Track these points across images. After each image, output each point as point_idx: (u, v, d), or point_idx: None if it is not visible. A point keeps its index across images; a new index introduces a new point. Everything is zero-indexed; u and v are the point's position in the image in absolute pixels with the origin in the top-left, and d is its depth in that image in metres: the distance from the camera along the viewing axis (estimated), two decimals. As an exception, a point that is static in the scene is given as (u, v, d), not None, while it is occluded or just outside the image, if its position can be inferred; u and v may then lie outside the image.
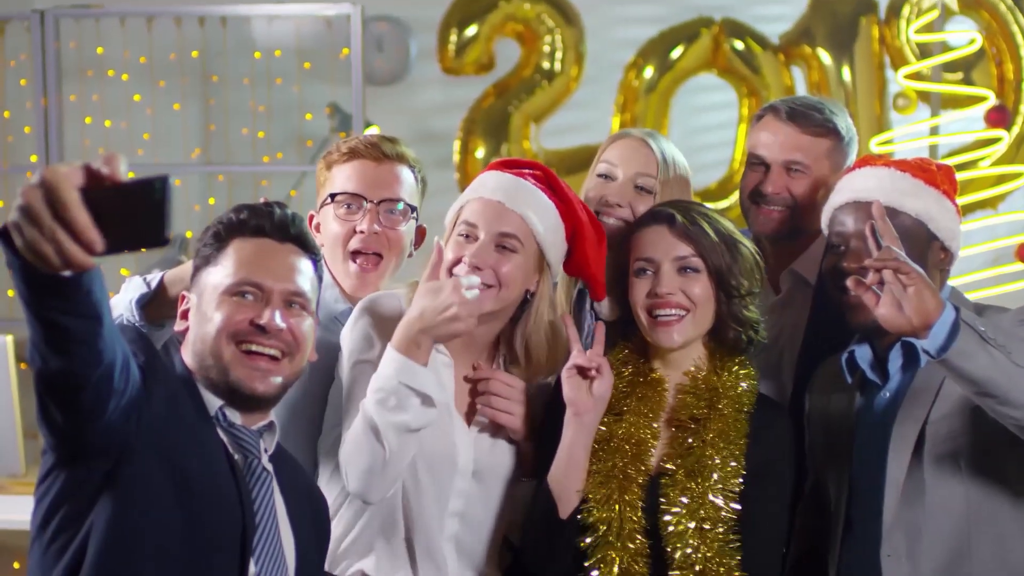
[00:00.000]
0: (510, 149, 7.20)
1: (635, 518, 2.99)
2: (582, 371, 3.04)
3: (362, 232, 3.29)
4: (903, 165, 3.13)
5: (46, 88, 7.05)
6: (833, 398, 3.21)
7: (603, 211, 3.40)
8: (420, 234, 3.45)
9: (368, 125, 7.18)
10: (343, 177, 3.34)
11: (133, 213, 1.95)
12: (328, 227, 3.35)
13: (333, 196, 3.35)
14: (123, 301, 3.01)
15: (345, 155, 3.36)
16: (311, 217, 3.39)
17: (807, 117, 3.50)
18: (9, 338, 5.22)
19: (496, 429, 3.16)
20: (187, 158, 7.91)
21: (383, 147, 3.35)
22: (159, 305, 3.01)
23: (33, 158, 7.29)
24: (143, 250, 1.99)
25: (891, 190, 3.08)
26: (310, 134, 7.71)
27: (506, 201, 3.09)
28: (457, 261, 3.06)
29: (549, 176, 3.18)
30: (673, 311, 3.04)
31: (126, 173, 1.98)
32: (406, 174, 3.36)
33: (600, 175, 3.47)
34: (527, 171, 3.17)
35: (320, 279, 2.77)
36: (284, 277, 2.65)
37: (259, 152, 7.69)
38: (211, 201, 7.74)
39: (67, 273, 2.00)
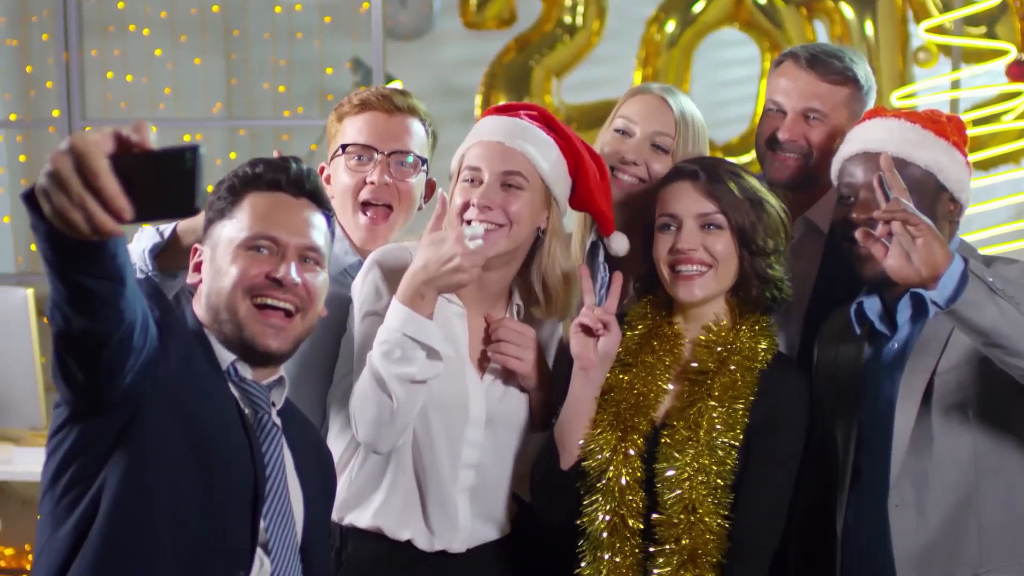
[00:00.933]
0: (531, 103, 7.18)
1: (633, 468, 2.99)
2: (587, 330, 3.05)
3: (372, 183, 3.30)
4: (913, 116, 3.13)
5: (68, 43, 7.05)
6: (842, 349, 3.21)
7: (618, 168, 3.40)
8: (430, 187, 3.45)
9: (389, 80, 7.17)
10: (354, 129, 3.35)
11: (163, 182, 1.94)
12: (338, 178, 3.36)
13: (344, 147, 3.36)
14: (136, 250, 3.02)
15: (356, 107, 3.37)
16: (322, 169, 3.39)
17: (827, 65, 3.48)
18: (30, 291, 5.25)
19: (509, 378, 3.17)
20: (208, 113, 7.92)
21: (394, 99, 3.36)
22: (172, 255, 3.01)
23: (55, 113, 7.30)
24: (172, 219, 1.99)
25: (900, 141, 3.07)
26: (331, 89, 7.71)
27: (506, 140, 3.09)
28: (465, 206, 3.06)
29: (545, 115, 3.18)
30: (695, 267, 3.04)
31: (153, 140, 1.97)
32: (417, 127, 3.38)
33: (617, 130, 3.46)
34: (523, 112, 3.17)
35: (333, 234, 2.78)
36: (299, 232, 2.65)
37: (280, 107, 7.70)
38: (232, 156, 7.76)
39: (94, 238, 1.99)
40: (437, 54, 7.90)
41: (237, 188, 2.67)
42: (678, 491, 2.97)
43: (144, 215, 1.94)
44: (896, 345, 3.09)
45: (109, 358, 2.27)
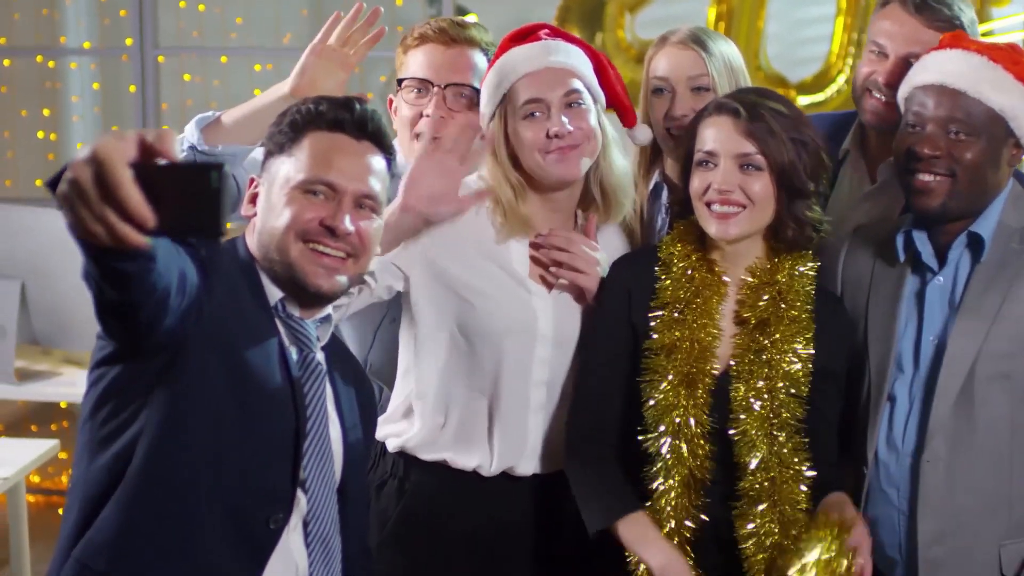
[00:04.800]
0: (604, 38, 7.14)
1: (702, 422, 2.98)
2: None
3: (427, 116, 3.30)
4: (995, 54, 3.06)
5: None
6: (877, 270, 3.18)
7: (672, 127, 3.39)
8: None
9: (462, 12, 7.13)
10: (415, 63, 3.38)
11: (187, 198, 1.87)
12: (400, 111, 3.40)
13: (400, 81, 3.38)
14: (188, 126, 3.09)
15: (417, 39, 3.40)
16: (391, 101, 3.40)
17: (934, 11, 3.41)
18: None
19: (575, 292, 3.17)
20: (280, 43, 7.91)
21: (451, 31, 3.38)
22: (215, 132, 3.07)
23: (128, 41, 7.32)
24: (195, 238, 1.93)
25: (979, 80, 3.02)
26: (403, 20, 7.67)
27: (551, 64, 3.11)
28: (542, 139, 3.08)
29: (555, 29, 3.20)
30: (731, 207, 3.00)
31: (179, 148, 1.88)
32: (478, 58, 3.38)
33: (655, 90, 3.46)
34: (541, 32, 3.19)
35: (392, 176, 2.76)
36: (357, 177, 2.63)
37: (352, 38, 7.67)
38: (303, 86, 7.74)
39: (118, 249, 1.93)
40: (512, -14, 7.86)
41: (299, 124, 2.64)
42: (757, 455, 2.96)
43: (166, 229, 1.88)
44: (941, 279, 3.06)
45: (146, 317, 2.24)
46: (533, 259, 3.18)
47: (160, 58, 7.30)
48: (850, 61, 7.06)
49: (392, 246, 3.06)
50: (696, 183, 3.05)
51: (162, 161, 1.87)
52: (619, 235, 3.33)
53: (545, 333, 3.15)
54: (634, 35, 7.31)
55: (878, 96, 3.45)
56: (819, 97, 6.90)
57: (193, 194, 1.87)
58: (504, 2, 7.69)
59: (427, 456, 3.19)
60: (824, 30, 7.30)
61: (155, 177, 1.85)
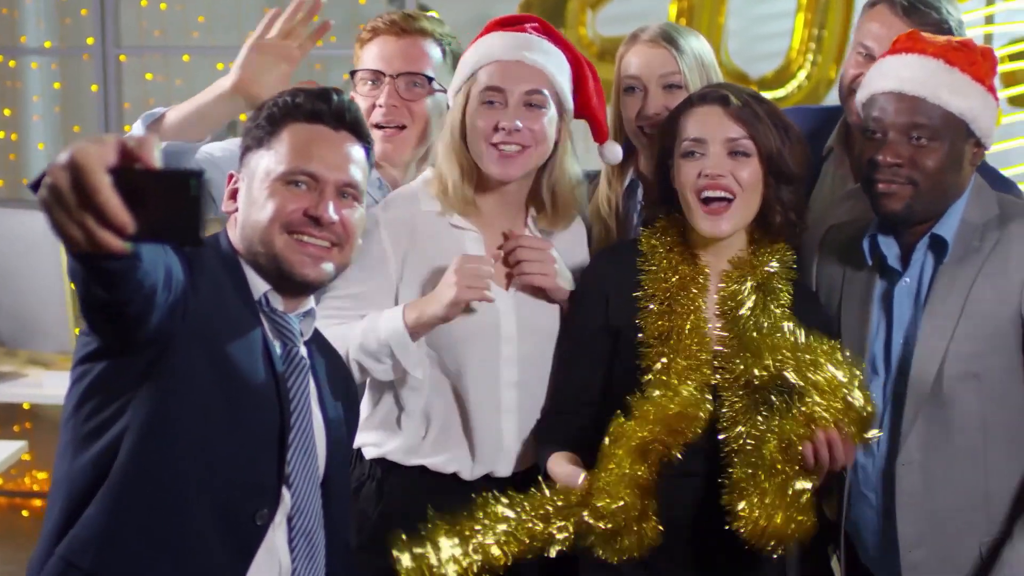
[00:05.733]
0: (566, 35, 7.12)
1: (704, 407, 2.97)
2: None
3: (381, 106, 3.33)
4: (950, 56, 3.06)
5: (102, -32, 7.04)
6: (848, 273, 3.20)
7: (644, 125, 3.40)
8: None
9: (424, 10, 7.14)
10: (368, 55, 3.41)
11: (166, 204, 1.86)
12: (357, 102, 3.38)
13: (353, 74, 3.42)
14: (136, 123, 3.13)
15: (370, 32, 3.43)
16: (352, 98, 3.41)
17: (923, 15, 3.42)
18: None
19: (534, 289, 3.18)
20: (242, 41, 7.88)
21: (402, 22, 3.40)
22: (160, 129, 3.12)
23: (90, 40, 7.30)
24: (174, 245, 1.92)
25: (937, 85, 3.02)
26: (365, 19, 7.63)
27: (524, 59, 3.12)
28: (493, 129, 3.08)
29: (546, 26, 3.21)
30: (722, 192, 3.01)
31: (159, 155, 1.88)
32: (430, 47, 3.40)
33: (627, 89, 3.46)
34: (528, 25, 3.19)
35: (372, 166, 2.77)
36: (338, 167, 2.64)
37: (313, 36, 7.66)
38: (266, 85, 7.72)
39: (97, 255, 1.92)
40: (473, -16, 7.87)
41: (276, 117, 2.65)
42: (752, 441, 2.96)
43: (145, 235, 1.87)
44: (908, 280, 3.08)
45: (133, 315, 2.25)
46: (493, 255, 3.19)
47: (122, 57, 7.28)
48: (810, 57, 7.10)
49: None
50: (685, 173, 3.06)
51: (140, 166, 1.86)
52: (575, 239, 3.33)
53: (509, 332, 3.16)
54: (595, 32, 7.32)
55: None
56: (780, 93, 6.92)
57: (172, 200, 1.86)
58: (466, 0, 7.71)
59: (406, 462, 3.19)
60: (784, 26, 7.32)
61: (134, 182, 1.84)
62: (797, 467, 2.82)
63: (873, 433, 2.85)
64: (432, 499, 3.08)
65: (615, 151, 3.36)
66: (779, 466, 2.82)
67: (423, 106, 3.37)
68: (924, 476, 3.04)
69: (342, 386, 2.83)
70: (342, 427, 2.79)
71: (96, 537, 2.43)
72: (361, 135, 2.71)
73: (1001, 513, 3.06)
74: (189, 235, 1.88)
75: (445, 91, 3.37)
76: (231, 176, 2.70)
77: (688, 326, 3.03)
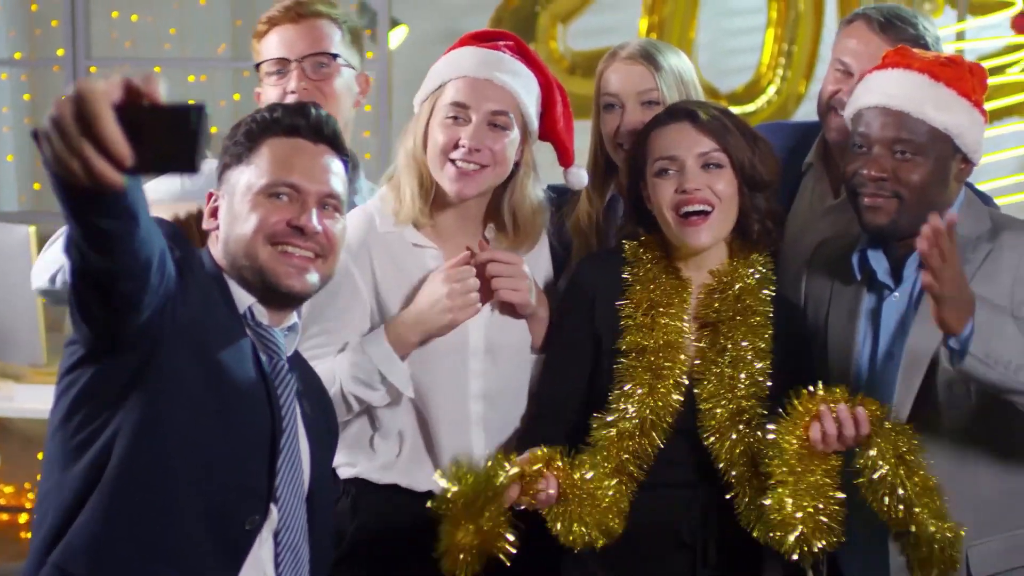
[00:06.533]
0: (536, 49, 7.15)
1: (669, 420, 3.01)
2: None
3: (293, 92, 3.32)
4: (937, 71, 3.06)
5: (72, -20, 7.04)
6: (836, 288, 3.21)
7: (623, 142, 3.41)
8: (364, 82, 3.48)
9: (395, 24, 7.15)
10: (269, 46, 3.39)
11: (166, 136, 1.89)
12: (267, 96, 3.39)
13: (258, 66, 3.41)
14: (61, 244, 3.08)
15: (266, 24, 3.40)
16: (258, 95, 3.44)
17: (900, 31, 3.40)
18: (32, 229, 5.26)
19: (503, 304, 3.18)
20: (213, 53, 7.90)
21: (296, 8, 3.38)
22: None
23: (60, 52, 7.28)
24: (172, 174, 1.95)
25: (922, 100, 3.02)
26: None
27: (493, 76, 3.10)
28: (452, 145, 3.07)
29: (520, 45, 3.20)
30: (700, 206, 3.03)
31: (163, 92, 1.93)
32: (328, 27, 3.39)
33: (607, 106, 3.46)
34: (501, 43, 3.18)
35: (351, 181, 2.78)
36: (319, 178, 2.64)
37: (285, 48, 7.66)
38: (236, 97, 7.73)
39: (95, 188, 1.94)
40: (443, -2, 7.89)
41: (255, 133, 2.65)
42: (731, 449, 3.00)
43: (144, 167, 1.90)
44: (896, 295, 3.10)
45: (126, 292, 2.25)
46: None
47: (92, 69, 7.26)
48: (780, 72, 7.14)
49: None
50: (661, 192, 3.06)
51: (145, 103, 1.90)
52: (539, 259, 3.33)
53: (477, 345, 3.16)
54: (567, 46, 7.35)
55: (843, 115, 3.36)
56: (750, 107, 6.96)
57: (172, 133, 1.89)
58: (436, 13, 7.72)
59: (381, 481, 3.18)
60: (754, 41, 7.37)
61: (136, 118, 1.87)
62: (815, 456, 2.87)
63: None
64: (406, 515, 3.09)
65: (581, 176, 3.36)
66: (798, 457, 2.87)
67: (333, 85, 3.36)
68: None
69: (322, 405, 2.83)
70: (325, 445, 2.79)
71: (89, 544, 2.42)
72: (339, 148, 2.71)
73: (989, 517, 3.07)
74: (185, 164, 1.90)
75: (352, 67, 3.39)
76: (210, 194, 2.70)
77: (664, 341, 3.05)
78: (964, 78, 3.08)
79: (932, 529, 2.87)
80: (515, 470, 2.85)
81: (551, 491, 2.90)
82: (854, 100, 3.14)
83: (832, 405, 2.87)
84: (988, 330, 2.79)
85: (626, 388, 3.03)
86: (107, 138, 1.84)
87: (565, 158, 3.30)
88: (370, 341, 3.06)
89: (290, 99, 3.28)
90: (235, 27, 7.95)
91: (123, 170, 1.88)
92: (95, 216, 2.05)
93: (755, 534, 2.96)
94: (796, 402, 2.88)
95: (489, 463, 2.86)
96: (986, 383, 2.85)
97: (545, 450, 2.92)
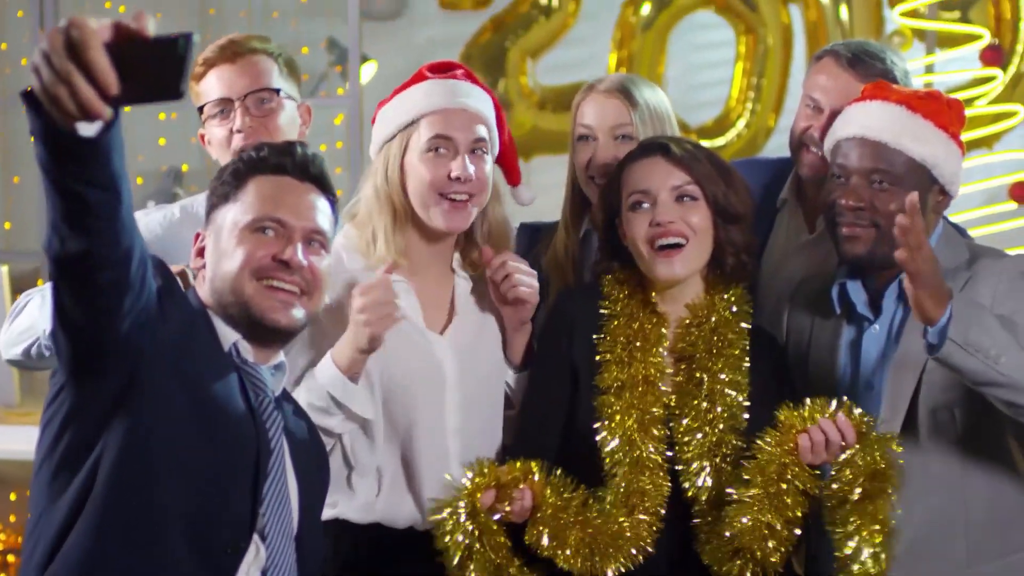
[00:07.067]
0: (507, 84, 7.19)
1: (655, 456, 3.02)
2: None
3: (239, 131, 3.31)
4: (915, 103, 3.10)
5: (44, 20, 7.03)
6: (817, 321, 3.23)
7: (597, 176, 3.43)
8: (307, 112, 3.49)
9: (365, 60, 7.17)
10: (208, 87, 3.37)
11: (153, 67, 1.92)
12: (211, 138, 3.39)
13: (201, 109, 3.39)
14: (33, 313, 3.13)
15: (202, 66, 3.39)
16: (202, 136, 3.43)
17: (868, 66, 3.42)
18: (4, 268, 5.25)
19: (472, 333, 3.21)
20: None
21: (231, 47, 3.38)
22: None
23: (29, 89, 7.27)
24: (157, 102, 1.97)
25: (900, 131, 3.06)
26: (307, 69, 7.67)
27: (467, 106, 3.13)
28: (442, 178, 3.08)
29: (469, 72, 3.22)
30: (675, 239, 3.04)
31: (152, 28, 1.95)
32: (265, 63, 3.38)
33: (580, 137, 3.50)
34: (459, 72, 3.20)
35: (337, 220, 2.78)
36: (305, 215, 2.65)
37: (256, 86, 7.67)
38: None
39: (87, 133, 1.98)
40: (412, 34, 7.89)
41: (241, 172, 2.67)
42: (706, 483, 3.01)
43: (131, 97, 1.92)
44: (877, 327, 3.11)
45: (106, 286, 2.26)
46: (425, 305, 3.19)
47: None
48: (750, 106, 7.17)
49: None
50: (635, 226, 3.08)
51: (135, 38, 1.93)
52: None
53: (453, 378, 3.16)
54: (536, 81, 7.37)
55: (815, 151, 3.44)
56: (719, 141, 6.99)
57: (158, 62, 1.92)
58: (406, 48, 7.74)
59: (362, 520, 3.17)
60: (723, 74, 7.40)
61: (125, 51, 1.90)
62: (798, 466, 2.88)
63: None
64: (389, 553, 3.09)
65: (528, 194, 3.39)
66: (779, 467, 2.89)
67: (277, 120, 3.36)
68: (902, 507, 3.03)
69: (314, 447, 2.82)
70: (315, 486, 2.78)
71: (76, 567, 2.42)
72: (326, 187, 2.72)
73: (982, 542, 3.07)
74: (171, 90, 1.93)
75: (293, 99, 3.40)
76: (198, 235, 2.71)
77: (642, 376, 3.06)
78: (942, 111, 3.12)
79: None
80: (489, 472, 2.89)
81: (526, 503, 2.90)
82: (833, 132, 3.18)
83: (818, 415, 2.87)
84: (967, 318, 2.81)
85: (611, 427, 3.04)
86: (94, 64, 1.88)
87: (513, 176, 3.33)
88: (320, 366, 3.04)
89: (236, 138, 3.30)
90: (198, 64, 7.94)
91: (109, 100, 1.91)
92: (78, 182, 2.07)
93: (704, 559, 2.99)
94: (782, 414, 2.89)
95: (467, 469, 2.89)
96: (966, 373, 2.84)
97: (524, 463, 2.93)
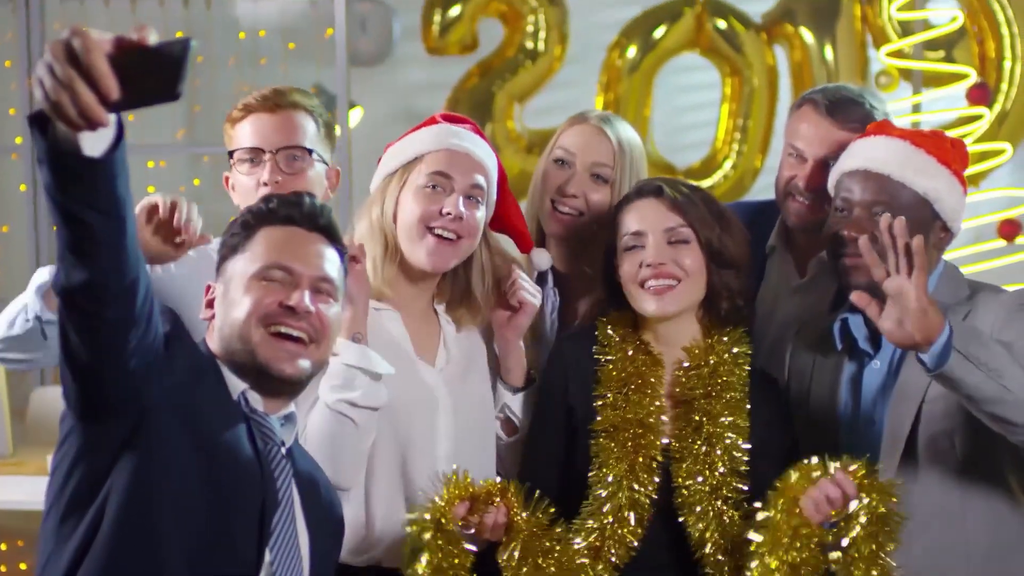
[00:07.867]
0: (494, 129, 7.21)
1: (646, 499, 3.02)
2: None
3: (265, 184, 3.29)
4: (918, 139, 3.13)
5: (31, 69, 7.04)
6: (818, 360, 3.24)
7: (558, 200, 3.45)
8: (335, 176, 3.47)
9: (352, 105, 7.19)
10: (243, 134, 3.35)
11: (151, 73, 1.96)
12: (237, 184, 3.37)
13: (231, 153, 3.38)
14: (28, 289, 3.07)
15: (242, 111, 3.37)
16: (227, 179, 3.42)
17: (846, 112, 3.43)
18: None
19: (461, 367, 3.22)
20: (172, 139, 7.91)
21: (274, 98, 3.36)
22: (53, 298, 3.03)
23: (18, 140, 7.29)
24: (155, 104, 2.00)
25: (903, 164, 3.08)
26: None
27: (472, 152, 3.16)
28: (433, 213, 3.10)
29: (478, 129, 3.25)
30: (665, 280, 3.06)
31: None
32: (304, 120, 3.36)
33: (556, 160, 3.50)
34: (468, 125, 3.23)
35: (346, 272, 2.79)
36: (312, 263, 2.66)
37: (244, 133, 7.68)
38: (196, 182, 7.74)
39: (91, 153, 2.02)
40: (399, 79, 7.92)
41: (251, 223, 2.69)
42: (711, 529, 3.01)
43: (131, 102, 1.96)
44: (878, 363, 3.12)
45: (111, 320, 2.27)
46: (413, 336, 3.20)
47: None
48: (735, 147, 7.19)
49: None
50: (627, 266, 3.10)
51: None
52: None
53: (445, 403, 3.16)
54: (523, 125, 7.39)
55: (800, 200, 3.46)
56: (706, 183, 6.99)
57: (157, 68, 1.96)
58: (394, 94, 7.77)
59: (359, 563, 3.15)
60: (709, 116, 7.43)
61: (126, 59, 1.95)
62: (808, 527, 2.85)
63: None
64: None
65: (544, 258, 3.41)
66: (791, 531, 2.85)
67: (305, 179, 3.33)
68: (903, 537, 3.02)
69: (327, 501, 2.81)
70: (326, 540, 2.77)
71: None
72: (334, 238, 2.73)
73: (983, 569, 3.07)
74: (168, 91, 1.97)
75: (325, 162, 3.39)
76: (208, 287, 2.72)
77: (637, 420, 3.06)
78: (945, 148, 3.14)
79: None
80: (462, 485, 2.88)
81: (499, 518, 2.89)
82: (837, 168, 3.20)
83: (816, 474, 2.85)
84: (967, 334, 2.82)
85: (603, 470, 3.04)
86: (94, 70, 1.92)
87: (524, 243, 3.34)
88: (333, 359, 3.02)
89: (262, 191, 3.26)
90: (193, 112, 7.97)
91: (110, 105, 1.95)
92: (83, 207, 2.11)
93: None
94: (779, 483, 2.87)
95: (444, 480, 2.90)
96: (969, 388, 2.82)
97: (503, 481, 2.94)
